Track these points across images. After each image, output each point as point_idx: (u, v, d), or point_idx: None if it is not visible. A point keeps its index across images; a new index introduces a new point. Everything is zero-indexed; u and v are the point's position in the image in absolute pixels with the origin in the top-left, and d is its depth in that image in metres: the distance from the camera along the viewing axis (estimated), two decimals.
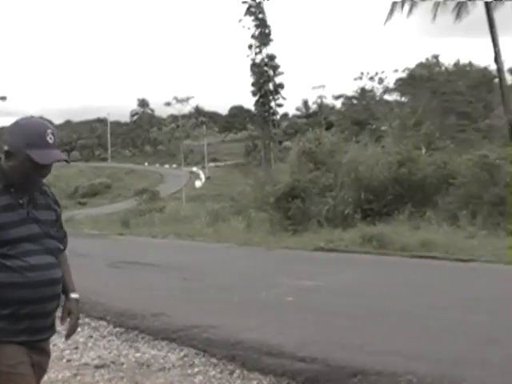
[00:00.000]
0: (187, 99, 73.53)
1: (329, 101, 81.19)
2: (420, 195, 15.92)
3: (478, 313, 6.83)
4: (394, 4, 31.08)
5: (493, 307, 7.19)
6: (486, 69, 46.98)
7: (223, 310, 7.54)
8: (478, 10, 30.47)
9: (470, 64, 51.80)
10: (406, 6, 30.85)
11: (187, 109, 78.87)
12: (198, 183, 76.94)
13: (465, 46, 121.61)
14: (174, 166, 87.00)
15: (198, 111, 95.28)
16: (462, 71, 49.22)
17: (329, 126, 32.87)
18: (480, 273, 9.93)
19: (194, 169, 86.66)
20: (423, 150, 17.30)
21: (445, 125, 31.74)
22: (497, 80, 32.78)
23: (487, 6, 29.82)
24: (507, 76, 55.22)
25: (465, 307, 7.17)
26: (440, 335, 5.95)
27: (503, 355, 5.21)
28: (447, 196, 15.48)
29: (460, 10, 31.42)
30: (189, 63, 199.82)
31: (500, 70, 30.59)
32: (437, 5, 31.06)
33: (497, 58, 29.95)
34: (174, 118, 79.41)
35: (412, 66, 54.92)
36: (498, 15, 30.13)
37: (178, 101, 72.74)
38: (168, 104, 75.44)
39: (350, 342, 5.82)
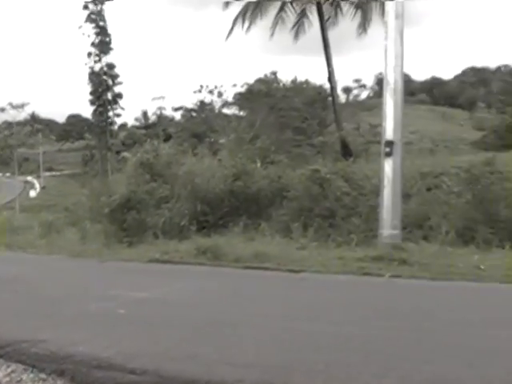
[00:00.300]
0: (22, 105, 71.42)
1: (168, 112, 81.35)
2: (255, 208, 16.23)
3: (306, 321, 7.07)
4: (234, 20, 31.83)
5: (320, 315, 7.48)
6: (321, 87, 48.77)
7: (53, 324, 7.33)
8: (314, 30, 31.76)
9: (307, 82, 53.62)
10: (246, 23, 31.66)
11: (22, 115, 76.54)
12: (32, 193, 74.68)
13: (303, 64, 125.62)
14: (8, 174, 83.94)
15: (34, 118, 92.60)
16: (299, 88, 50.76)
17: (167, 138, 32.92)
18: (310, 283, 10.29)
19: (29, 178, 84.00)
20: (258, 164, 17.68)
21: (281, 139, 32.63)
22: (331, 98, 34.19)
23: (322, 27, 31.12)
24: (340, 94, 57.55)
25: (294, 316, 7.39)
26: (269, 344, 6.09)
27: (327, 361, 5.43)
28: (281, 209, 15.89)
29: (297, 29, 32.60)
30: (25, 68, 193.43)
31: (333, 88, 32.05)
32: (275, 23, 32.06)
33: (330, 78, 31.34)
34: (8, 124, 76.74)
35: (251, 81, 56.09)
36: (332, 36, 31.55)
37: (13, 107, 70.52)
38: (2, 110, 72.92)
39: (181, 353, 5.84)
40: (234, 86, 55.57)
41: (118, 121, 66.93)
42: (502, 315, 7.75)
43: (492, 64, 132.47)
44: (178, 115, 69.59)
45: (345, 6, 31.99)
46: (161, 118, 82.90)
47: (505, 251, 12.85)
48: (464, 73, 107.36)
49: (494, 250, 13.00)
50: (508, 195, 14.46)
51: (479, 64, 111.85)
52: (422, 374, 5.13)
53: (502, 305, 8.70)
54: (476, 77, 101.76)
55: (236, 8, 31.93)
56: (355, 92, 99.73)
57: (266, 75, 56.30)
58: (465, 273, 10.86)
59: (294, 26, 32.56)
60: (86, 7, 63.28)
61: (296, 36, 32.81)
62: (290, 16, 32.28)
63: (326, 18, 31.86)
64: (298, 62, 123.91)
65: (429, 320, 7.37)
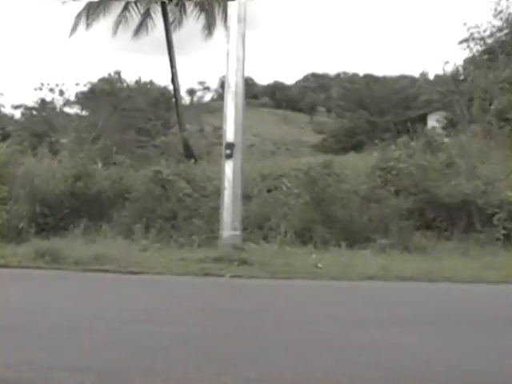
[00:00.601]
0: None
1: (7, 110, 78.10)
2: (96, 209, 15.89)
3: (145, 323, 7.06)
4: (78, 17, 31.06)
5: (160, 317, 7.48)
6: (165, 88, 48.58)
7: None
8: (160, 31, 31.63)
9: (151, 82, 53.30)
10: (89, 20, 31.05)
11: None
12: None
13: (149, 64, 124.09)
14: None
15: None
16: (143, 88, 50.33)
17: (6, 137, 31.61)
18: (150, 284, 10.27)
19: None
20: (100, 165, 17.37)
21: (124, 140, 32.19)
22: (174, 99, 34.17)
23: (166, 28, 31.08)
24: (185, 96, 57.61)
25: (133, 318, 7.34)
26: (108, 347, 6.03)
27: (167, 361, 5.46)
28: (123, 210, 15.67)
29: (141, 29, 32.35)
30: None
31: (176, 90, 32.11)
32: (118, 22, 31.64)
33: (173, 79, 31.38)
34: None
35: (95, 80, 54.96)
36: (178, 37, 31.59)
37: None
38: None
39: (18, 359, 5.64)
40: (77, 84, 54.19)
41: None
42: (336, 312, 8.07)
43: (332, 71, 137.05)
44: (17, 113, 66.93)
45: (189, 8, 32.12)
46: None
47: (341, 250, 13.44)
48: (305, 78, 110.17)
49: (331, 248, 13.56)
50: (344, 196, 15.06)
51: (320, 70, 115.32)
52: (260, 371, 5.26)
53: (337, 302, 9.07)
54: (317, 82, 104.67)
55: (80, 3, 31.18)
56: (199, 94, 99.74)
57: (109, 74, 55.41)
58: (303, 271, 11.26)
59: (137, 25, 32.29)
60: None
61: (139, 36, 32.60)
62: (134, 16, 32.00)
63: (171, 19, 31.86)
64: (143, 62, 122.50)
65: (268, 318, 7.56)
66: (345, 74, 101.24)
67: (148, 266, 11.42)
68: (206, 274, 10.93)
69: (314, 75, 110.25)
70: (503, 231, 14.27)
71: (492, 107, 23.54)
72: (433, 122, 32.34)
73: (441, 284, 10.47)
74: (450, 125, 27.60)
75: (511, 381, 4.62)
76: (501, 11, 30.45)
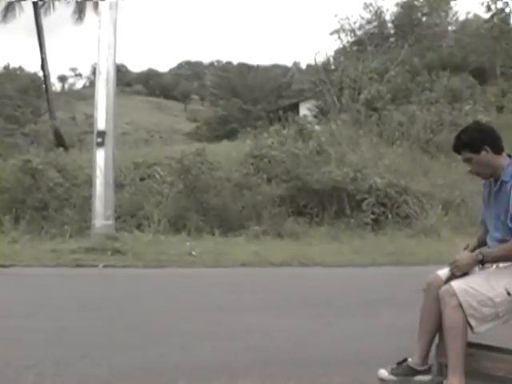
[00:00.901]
0: None
1: None
2: None
3: (15, 317, 6.86)
4: None
5: (31, 310, 7.29)
6: (35, 74, 47.41)
7: None
8: (30, 13, 30.67)
9: (20, 68, 51.97)
10: None
11: None
12: None
13: (19, 48, 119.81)
14: None
15: None
16: (12, 75, 49.05)
17: None
18: (21, 278, 9.98)
19: None
20: None
21: None
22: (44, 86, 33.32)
23: (36, 12, 30.15)
24: (56, 83, 56.19)
25: (2, 312, 7.11)
26: None
27: (38, 356, 5.33)
28: None
29: (6, 13, 31.24)
30: None
31: (46, 76, 31.27)
32: None
33: (43, 65, 30.54)
34: None
35: None
36: (50, 21, 30.70)
37: None
38: None
39: None
40: None
41: None
42: (210, 299, 8.13)
43: (206, 59, 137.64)
44: None
45: None
46: None
47: (215, 237, 13.59)
48: (179, 66, 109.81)
49: (205, 236, 13.70)
50: (217, 184, 15.20)
51: (193, 58, 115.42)
52: (133, 360, 5.25)
53: (211, 289, 9.14)
54: (190, 70, 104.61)
55: None
56: (71, 81, 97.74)
57: None
58: (177, 260, 11.32)
59: (4, 8, 31.24)
60: None
61: (7, 20, 31.54)
62: None
63: (41, 2, 30.94)
64: (13, 45, 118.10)
65: (141, 307, 7.55)
66: (219, 62, 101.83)
67: (18, 259, 11.09)
68: (79, 265, 10.76)
69: (187, 63, 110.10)
70: (372, 216, 14.89)
71: (361, 96, 24.36)
72: (304, 110, 32.97)
73: (312, 268, 10.78)
74: (321, 113, 28.30)
75: (381, 360, 4.79)
76: (370, 4, 31.59)
